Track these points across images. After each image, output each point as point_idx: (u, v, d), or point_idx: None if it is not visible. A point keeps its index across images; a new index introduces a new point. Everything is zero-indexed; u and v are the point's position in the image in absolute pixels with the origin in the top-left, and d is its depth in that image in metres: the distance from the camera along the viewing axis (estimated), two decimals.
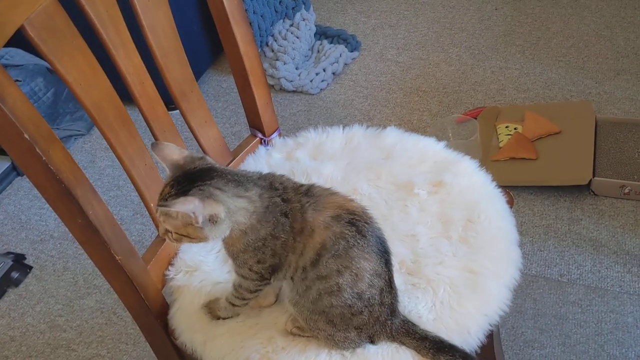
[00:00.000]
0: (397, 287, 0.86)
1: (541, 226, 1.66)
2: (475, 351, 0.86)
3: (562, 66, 2.18)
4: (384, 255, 0.79)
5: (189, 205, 0.73)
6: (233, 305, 0.87)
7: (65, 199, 0.79)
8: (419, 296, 0.86)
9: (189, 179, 0.76)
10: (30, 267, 1.77)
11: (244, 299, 0.86)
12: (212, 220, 0.74)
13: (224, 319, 0.89)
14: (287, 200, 0.78)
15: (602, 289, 1.50)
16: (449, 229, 0.94)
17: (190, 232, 0.76)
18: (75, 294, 1.68)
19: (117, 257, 0.85)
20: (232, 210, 0.76)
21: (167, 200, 0.75)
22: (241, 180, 0.78)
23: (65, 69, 0.82)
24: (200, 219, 0.73)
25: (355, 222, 0.78)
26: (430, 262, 0.90)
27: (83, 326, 1.60)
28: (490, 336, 1.19)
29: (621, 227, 1.63)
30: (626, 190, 1.68)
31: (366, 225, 0.78)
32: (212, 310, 0.90)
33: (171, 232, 0.77)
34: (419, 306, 0.85)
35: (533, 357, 1.38)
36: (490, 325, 0.85)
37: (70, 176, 0.78)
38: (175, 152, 0.79)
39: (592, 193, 1.72)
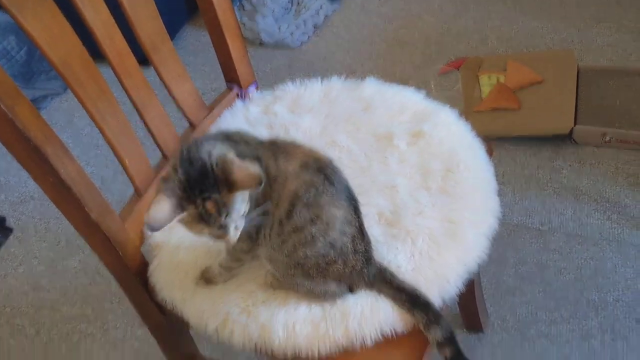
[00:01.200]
0: (376, 239, 0.86)
1: (523, 176, 1.67)
2: (456, 300, 0.86)
3: (544, 15, 2.16)
4: (352, 202, 0.79)
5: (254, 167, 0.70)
6: (229, 268, 0.86)
7: (35, 156, 0.77)
8: (398, 247, 0.86)
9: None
10: (11, 230, 1.76)
11: (239, 259, 0.85)
12: None
13: (223, 282, 0.88)
14: (255, 149, 0.77)
15: (582, 236, 1.52)
16: (428, 180, 0.94)
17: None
18: (58, 254, 1.68)
19: (91, 215, 0.84)
20: None
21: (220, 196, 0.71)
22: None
23: (30, 24, 0.79)
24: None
25: (323, 170, 0.77)
26: (410, 213, 0.89)
27: (67, 286, 1.60)
28: (471, 284, 1.21)
29: (602, 175, 1.64)
30: (607, 138, 1.68)
31: (333, 173, 0.78)
32: (208, 279, 0.88)
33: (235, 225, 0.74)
34: (398, 257, 0.85)
35: (514, 304, 1.41)
36: (469, 274, 0.86)
37: (39, 134, 0.76)
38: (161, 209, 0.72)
39: (573, 142, 1.72)
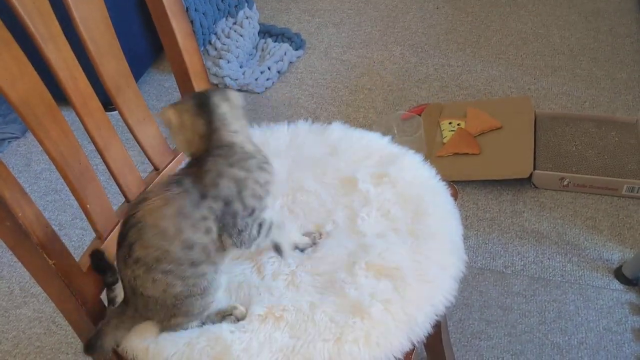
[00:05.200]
0: (343, 279, 0.85)
1: (485, 219, 1.69)
2: (423, 342, 0.85)
3: (501, 63, 2.23)
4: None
5: None
6: None
7: None
8: (368, 286, 0.85)
9: None
10: None
11: None
12: None
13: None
14: None
15: (544, 279, 1.53)
16: (396, 222, 0.94)
17: None
18: (11, 303, 1.61)
19: (50, 262, 0.81)
20: None
21: None
22: None
23: None
24: None
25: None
26: (377, 254, 0.89)
27: (20, 337, 1.53)
28: (438, 328, 1.20)
29: (561, 218, 1.68)
30: (565, 183, 1.73)
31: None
32: None
33: None
34: (364, 294, 0.84)
35: (480, 348, 1.40)
36: (437, 316, 0.85)
37: None
38: None
39: (533, 186, 1.76)
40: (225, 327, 0.84)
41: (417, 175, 1.02)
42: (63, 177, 0.89)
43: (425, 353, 1.33)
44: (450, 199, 1.01)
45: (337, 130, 1.10)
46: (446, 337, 1.28)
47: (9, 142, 2.09)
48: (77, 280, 0.86)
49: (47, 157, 0.86)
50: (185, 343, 0.83)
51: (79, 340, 1.34)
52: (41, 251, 0.80)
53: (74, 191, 0.90)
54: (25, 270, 1.55)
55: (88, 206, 0.92)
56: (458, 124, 1.93)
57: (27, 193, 0.80)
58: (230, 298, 0.88)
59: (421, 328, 0.83)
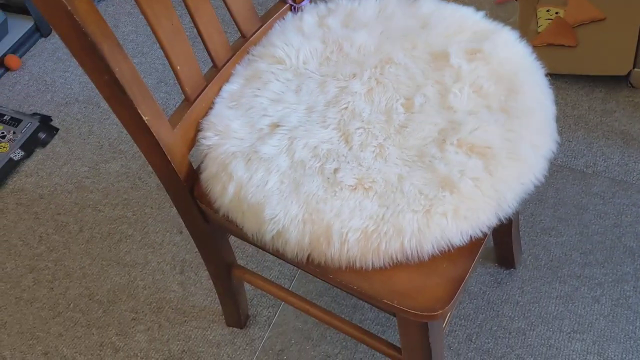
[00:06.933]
0: (433, 155, 0.84)
1: (572, 116, 1.62)
2: (501, 223, 0.84)
3: None
4: None
5: None
6: None
7: (91, 53, 0.77)
8: (458, 162, 0.84)
9: None
10: (57, 129, 1.79)
11: None
12: None
13: None
14: None
15: (627, 182, 1.48)
16: (488, 99, 0.91)
17: None
18: (101, 157, 1.71)
19: (144, 117, 0.84)
20: None
21: None
22: None
23: None
24: None
25: None
26: (469, 131, 0.87)
27: (109, 189, 1.65)
28: (509, 220, 1.20)
29: None
30: None
31: None
32: None
33: None
34: (454, 170, 0.83)
35: (549, 243, 1.40)
36: (526, 194, 0.85)
37: (96, 30, 0.76)
38: None
39: (629, 85, 1.66)
40: (317, 192, 0.85)
41: (512, 53, 0.97)
42: (155, 37, 0.90)
43: (492, 243, 1.35)
44: (545, 80, 0.97)
45: (428, 4, 1.05)
46: (516, 229, 1.28)
47: (97, 1, 2.12)
48: (167, 137, 0.90)
49: (134, 19, 0.88)
50: (278, 201, 0.85)
51: (163, 196, 1.42)
52: (135, 107, 0.83)
53: (165, 52, 0.92)
54: (114, 127, 1.63)
55: (178, 67, 0.94)
56: (557, 13, 1.80)
57: (123, 49, 0.82)
58: (318, 162, 0.88)
59: (509, 205, 0.83)
